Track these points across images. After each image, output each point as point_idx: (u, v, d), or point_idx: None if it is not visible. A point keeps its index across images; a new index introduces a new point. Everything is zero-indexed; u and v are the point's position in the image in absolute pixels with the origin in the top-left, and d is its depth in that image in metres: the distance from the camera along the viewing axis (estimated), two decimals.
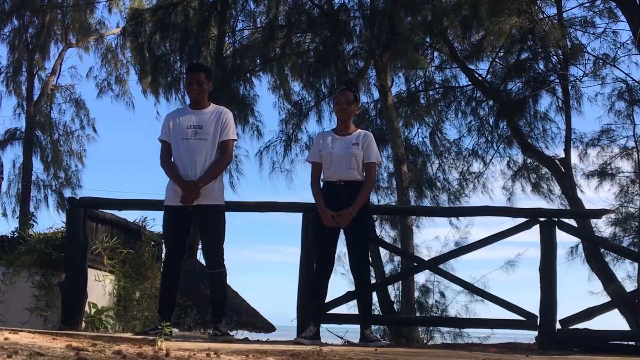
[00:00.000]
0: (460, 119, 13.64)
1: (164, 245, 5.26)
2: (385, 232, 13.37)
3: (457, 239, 11.89)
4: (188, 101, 5.26)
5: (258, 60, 14.10)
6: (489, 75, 13.20)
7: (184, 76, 14.40)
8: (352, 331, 5.87)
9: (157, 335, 4.20)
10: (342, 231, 5.13)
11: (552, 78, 13.04)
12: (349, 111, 5.23)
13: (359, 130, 5.32)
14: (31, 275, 6.20)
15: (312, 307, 5.19)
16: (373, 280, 12.16)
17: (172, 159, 5.03)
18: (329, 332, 5.81)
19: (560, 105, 12.87)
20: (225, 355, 3.36)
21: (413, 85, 13.77)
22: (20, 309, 6.05)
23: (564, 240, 12.71)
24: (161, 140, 5.09)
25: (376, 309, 11.53)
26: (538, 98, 12.90)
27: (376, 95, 13.23)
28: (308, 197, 5.38)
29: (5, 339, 3.35)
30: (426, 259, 7.18)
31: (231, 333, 5.72)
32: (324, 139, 5.26)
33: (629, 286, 11.68)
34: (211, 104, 5.16)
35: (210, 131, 4.97)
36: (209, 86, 5.11)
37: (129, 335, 4.94)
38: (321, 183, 5.25)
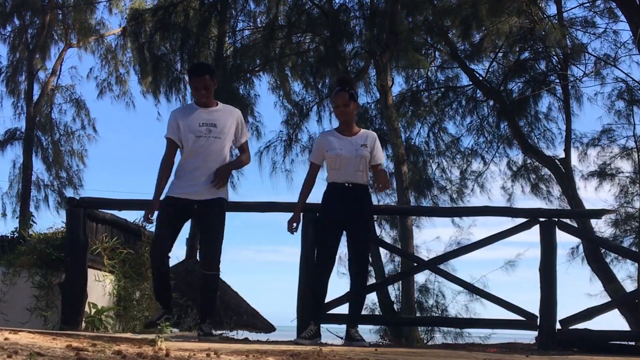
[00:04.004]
0: (460, 119, 13.67)
1: (154, 237, 5.09)
2: (385, 232, 13.39)
3: (459, 239, 11.90)
4: (189, 99, 5.27)
5: (258, 60, 14.09)
6: (489, 75, 13.21)
7: (186, 77, 14.47)
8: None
9: (162, 326, 4.21)
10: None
11: (552, 78, 13.05)
12: (348, 112, 5.19)
13: (363, 130, 5.30)
14: (31, 276, 6.20)
15: (312, 307, 5.18)
16: (373, 281, 12.20)
17: (183, 157, 5.00)
18: (329, 332, 5.82)
19: (561, 105, 12.89)
20: (225, 355, 3.36)
21: (414, 85, 13.79)
22: (21, 309, 6.05)
23: (564, 240, 12.73)
24: (168, 138, 5.05)
25: (376, 309, 11.56)
26: (538, 98, 12.92)
27: (376, 95, 13.25)
28: (308, 198, 5.38)
29: (5, 339, 3.35)
30: (426, 259, 7.18)
31: (231, 333, 5.72)
32: (328, 139, 5.23)
33: (629, 286, 11.70)
34: (218, 102, 5.15)
35: (225, 130, 4.99)
36: (214, 85, 5.09)
37: (129, 335, 4.94)
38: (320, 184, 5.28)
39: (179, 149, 5.07)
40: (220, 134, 4.97)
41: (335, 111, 5.30)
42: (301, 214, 5.25)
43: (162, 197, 5.06)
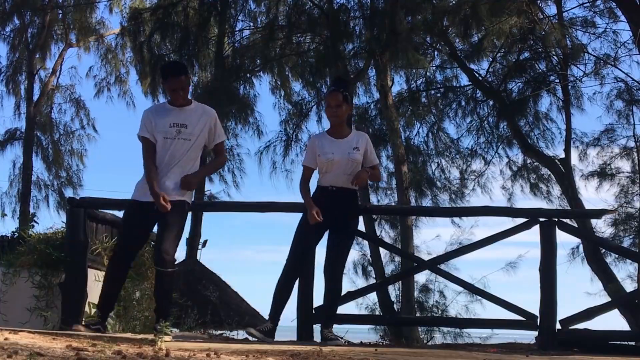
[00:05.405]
0: (460, 119, 13.68)
1: (119, 237, 4.91)
2: (385, 232, 13.40)
3: (460, 239, 11.91)
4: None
5: (258, 60, 14.10)
6: (489, 75, 13.22)
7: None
8: (352, 331, 5.87)
9: (162, 326, 4.18)
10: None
11: (552, 78, 13.06)
12: (340, 114, 5.12)
13: (354, 131, 5.26)
14: (31, 276, 6.18)
15: (274, 304, 5.03)
16: (373, 281, 12.21)
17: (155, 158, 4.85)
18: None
19: (561, 105, 12.90)
20: (225, 355, 3.36)
21: (414, 85, 13.79)
22: (21, 309, 6.04)
23: (564, 240, 12.74)
24: (142, 138, 4.88)
25: (376, 309, 11.57)
26: (538, 98, 12.93)
27: (376, 95, 13.26)
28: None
29: (5, 339, 3.35)
30: (426, 259, 7.17)
31: (231, 333, 5.70)
32: (320, 142, 5.15)
33: (629, 286, 11.71)
34: (193, 100, 5.01)
35: (195, 132, 4.83)
36: (189, 84, 4.97)
37: (129, 335, 4.93)
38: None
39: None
40: (190, 135, 4.81)
41: (326, 111, 5.22)
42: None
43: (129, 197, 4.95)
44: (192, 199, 5.04)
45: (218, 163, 5.09)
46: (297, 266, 5.05)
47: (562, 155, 12.51)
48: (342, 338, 5.25)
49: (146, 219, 4.82)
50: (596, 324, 5.66)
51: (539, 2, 12.44)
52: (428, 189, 13.44)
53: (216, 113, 5.05)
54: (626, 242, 11.99)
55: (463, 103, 13.66)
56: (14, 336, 3.53)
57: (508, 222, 5.88)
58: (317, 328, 5.32)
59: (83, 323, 5.00)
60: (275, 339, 5.09)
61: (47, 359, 2.74)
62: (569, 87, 12.62)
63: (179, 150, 4.80)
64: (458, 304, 11.72)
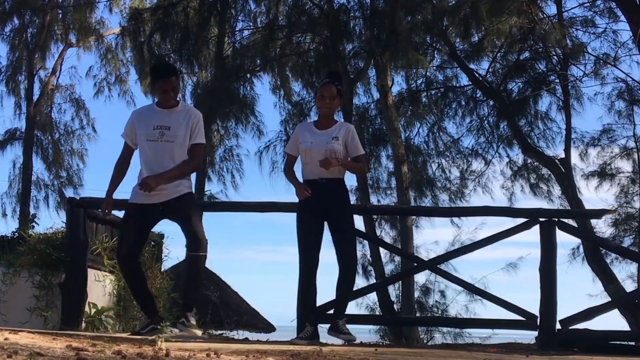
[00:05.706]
0: (460, 119, 13.68)
1: (118, 243, 4.94)
2: (385, 232, 13.40)
3: (463, 239, 11.89)
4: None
5: (258, 60, 14.11)
6: (489, 75, 13.22)
7: (185, 76, 14.44)
8: (352, 331, 5.85)
9: (156, 335, 4.19)
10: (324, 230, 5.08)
11: (552, 78, 13.06)
12: (332, 106, 5.11)
13: (339, 122, 5.22)
14: (31, 276, 6.19)
15: (306, 309, 5.08)
16: (373, 281, 12.22)
17: (140, 161, 4.85)
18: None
19: (561, 105, 12.90)
20: (225, 355, 3.36)
21: (414, 85, 13.80)
22: (20, 309, 6.04)
23: (565, 240, 12.74)
24: (124, 139, 4.95)
25: (376, 309, 11.57)
26: (538, 98, 12.94)
27: (376, 95, 13.27)
28: None
29: (5, 339, 3.35)
30: (426, 259, 7.17)
31: (231, 333, 5.69)
32: (303, 132, 5.15)
33: (629, 286, 11.71)
34: (180, 102, 4.99)
35: (179, 133, 4.78)
36: (179, 85, 4.96)
37: (129, 335, 4.93)
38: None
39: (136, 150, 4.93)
40: (174, 137, 4.76)
41: (318, 102, 5.18)
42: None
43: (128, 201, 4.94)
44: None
45: (189, 167, 4.87)
46: (311, 259, 4.99)
47: (562, 155, 12.52)
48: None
49: (145, 220, 4.84)
50: (596, 324, 5.67)
51: (539, 2, 12.44)
52: (428, 189, 13.43)
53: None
54: (626, 242, 11.99)
55: (463, 103, 13.67)
56: (14, 336, 3.53)
57: (508, 222, 5.89)
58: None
59: (136, 330, 4.96)
60: (275, 339, 5.08)
61: (47, 359, 2.74)
62: (569, 87, 12.63)
63: (164, 152, 4.77)
64: (458, 304, 11.73)
